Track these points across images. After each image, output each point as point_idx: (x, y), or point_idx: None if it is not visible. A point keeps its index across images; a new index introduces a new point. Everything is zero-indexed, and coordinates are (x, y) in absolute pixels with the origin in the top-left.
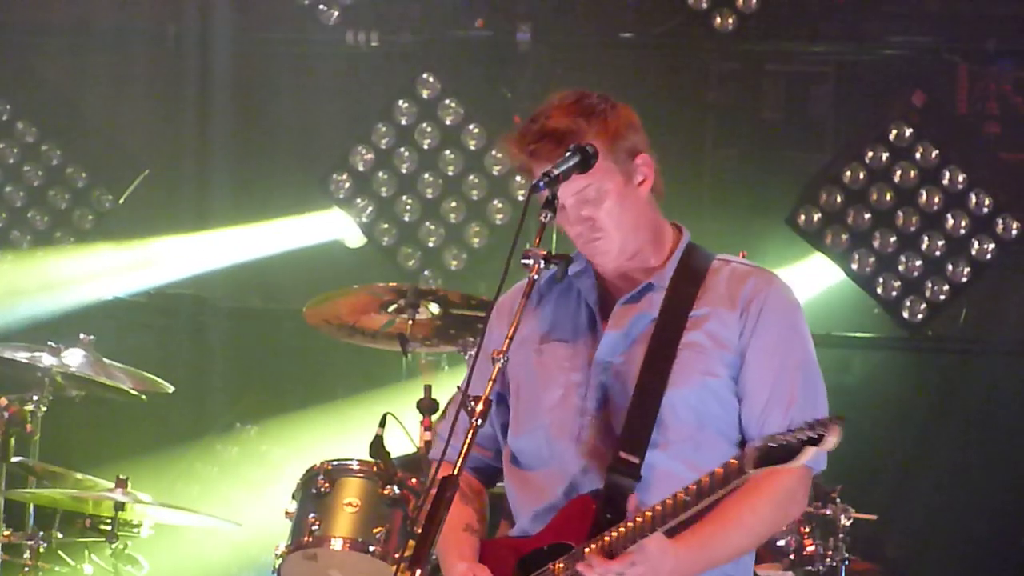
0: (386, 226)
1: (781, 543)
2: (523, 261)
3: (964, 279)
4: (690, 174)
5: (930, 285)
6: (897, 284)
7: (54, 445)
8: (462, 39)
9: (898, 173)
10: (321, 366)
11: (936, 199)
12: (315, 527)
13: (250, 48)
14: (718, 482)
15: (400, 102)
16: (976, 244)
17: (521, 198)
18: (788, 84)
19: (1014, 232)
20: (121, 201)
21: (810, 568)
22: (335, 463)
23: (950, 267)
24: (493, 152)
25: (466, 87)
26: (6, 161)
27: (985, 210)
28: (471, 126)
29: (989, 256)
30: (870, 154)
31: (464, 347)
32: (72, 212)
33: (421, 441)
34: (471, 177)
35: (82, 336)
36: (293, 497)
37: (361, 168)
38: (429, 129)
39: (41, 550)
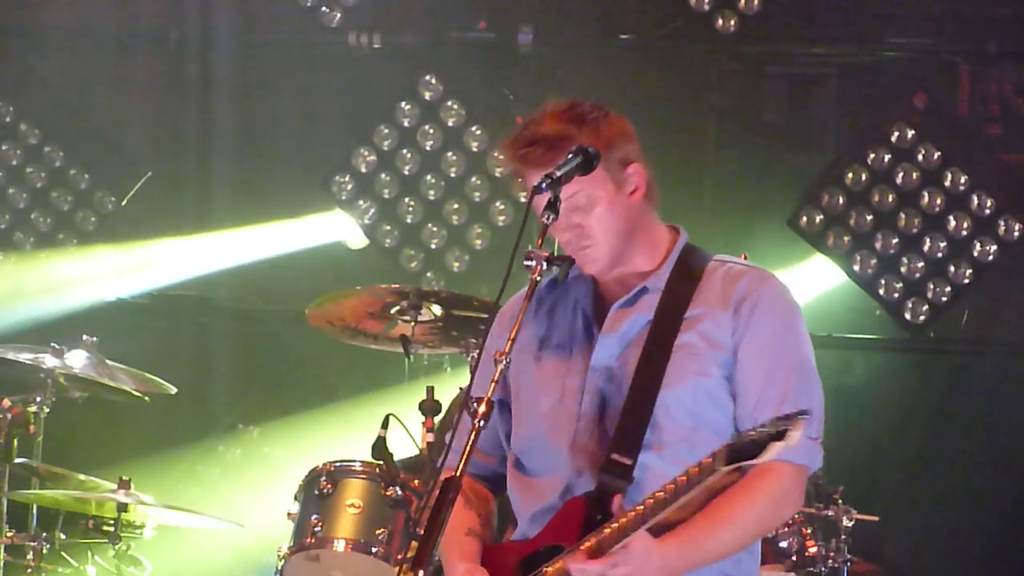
0: (388, 228)
1: (783, 544)
2: (525, 262)
3: (966, 280)
4: (691, 176)
5: (932, 287)
6: (899, 286)
7: (57, 446)
8: (464, 41)
9: (900, 175)
10: (323, 368)
11: (938, 201)
12: (317, 528)
13: (252, 50)
14: (693, 480)
15: (402, 104)
16: (978, 246)
17: (523, 200)
18: (790, 86)
19: (1016, 233)
20: (123, 203)
21: (812, 569)
22: (337, 464)
23: (952, 269)
24: (495, 154)
25: (468, 89)
26: (9, 163)
27: (987, 212)
28: (473, 128)
29: (991, 258)
30: (872, 156)
31: (466, 349)
32: (75, 214)
33: (423, 442)
34: (473, 179)
35: (85, 337)
36: (295, 498)
37: (363, 170)
38: (431, 131)
39: (44, 551)
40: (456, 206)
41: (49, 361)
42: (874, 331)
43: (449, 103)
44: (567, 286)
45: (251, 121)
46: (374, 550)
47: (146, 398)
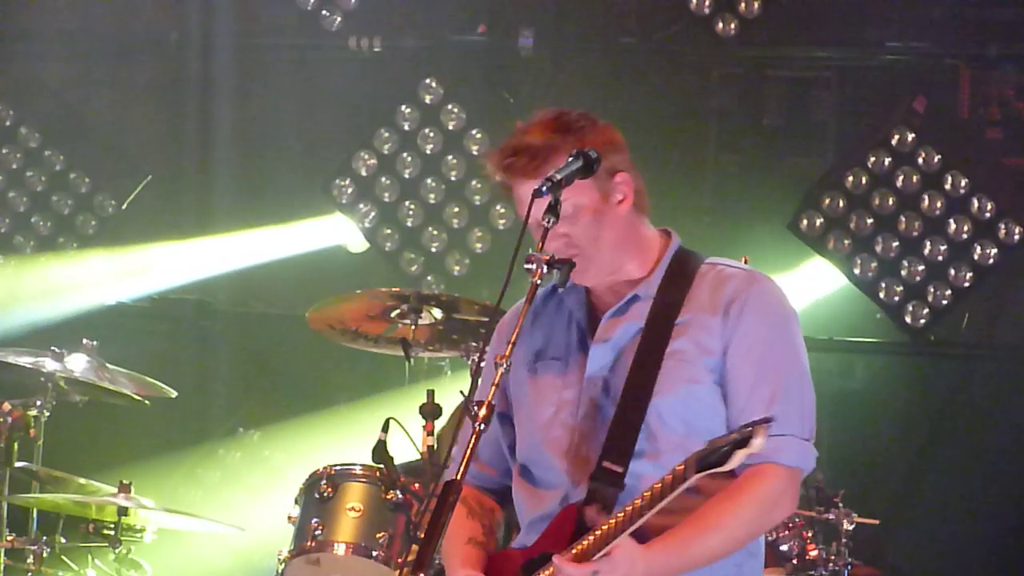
0: (389, 231)
1: (784, 548)
2: (526, 266)
3: (966, 284)
4: (692, 179)
5: (932, 290)
6: (899, 289)
7: (57, 450)
8: (464, 44)
9: (900, 178)
10: (324, 371)
11: (938, 204)
12: (318, 532)
13: (252, 54)
14: (667, 488)
15: (403, 107)
16: (978, 249)
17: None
18: (790, 89)
19: (1016, 237)
20: (124, 206)
21: (813, 573)
22: (338, 468)
23: (952, 272)
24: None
25: (468, 92)
26: (9, 167)
27: (987, 215)
28: (473, 131)
29: (991, 261)
30: (872, 159)
31: (467, 352)
32: (75, 217)
33: (424, 446)
34: (474, 182)
35: (85, 341)
36: (296, 502)
37: (364, 173)
38: (431, 134)
39: (44, 555)
40: (456, 209)
41: (49, 365)
42: (874, 334)
43: (449, 107)
44: (560, 298)
45: (251, 125)
46: (374, 554)
47: (146, 402)
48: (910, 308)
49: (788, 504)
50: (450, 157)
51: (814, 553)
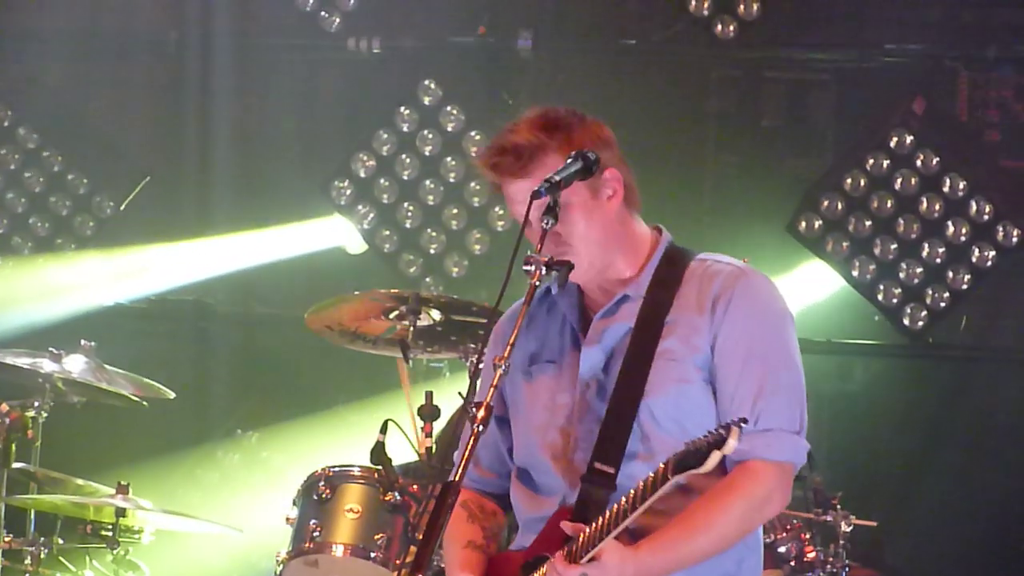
0: (387, 233)
1: (782, 549)
2: (525, 267)
3: (965, 286)
4: (691, 181)
5: (931, 292)
6: (898, 291)
7: (55, 451)
8: (463, 46)
9: (899, 180)
10: (322, 372)
11: (937, 206)
12: (316, 533)
13: (251, 55)
14: (648, 489)
15: (401, 109)
16: (976, 251)
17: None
18: (789, 91)
19: (1014, 239)
20: (122, 208)
21: (811, 574)
22: (336, 469)
23: (951, 274)
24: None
25: (467, 94)
26: (7, 167)
27: (985, 217)
28: (472, 133)
29: (989, 263)
30: (871, 161)
31: (465, 354)
32: (73, 218)
33: (422, 447)
34: (472, 184)
35: (83, 342)
36: (294, 503)
37: (362, 175)
38: (430, 136)
39: (42, 556)
40: (455, 211)
41: (47, 366)
42: (873, 337)
43: (448, 108)
44: (554, 300)
45: (250, 126)
46: (373, 555)
47: (144, 403)
48: (908, 310)
49: (780, 499)
50: (449, 159)
51: (812, 555)
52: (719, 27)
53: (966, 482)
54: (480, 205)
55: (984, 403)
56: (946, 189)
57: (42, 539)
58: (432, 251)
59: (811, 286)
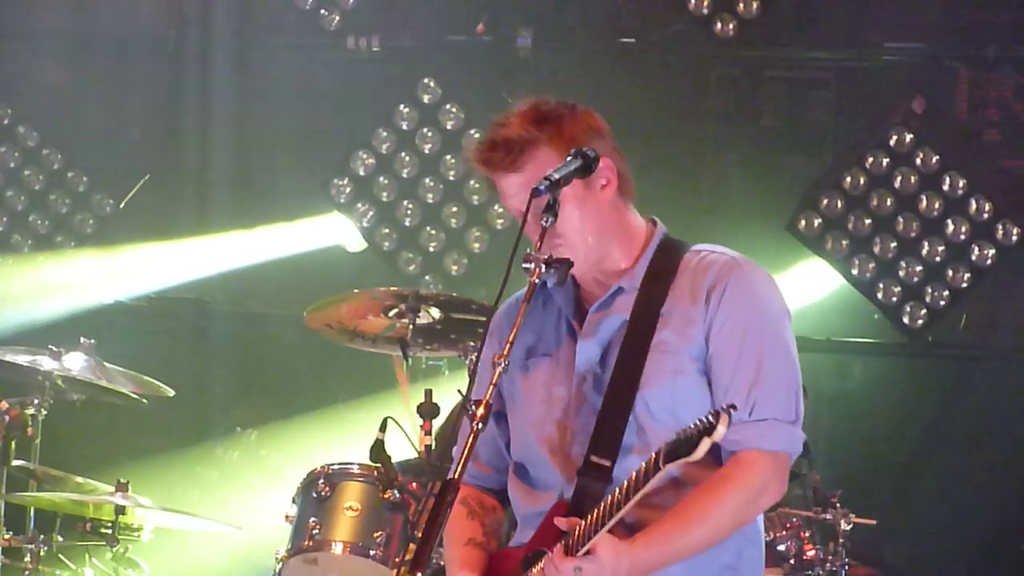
0: (387, 231)
1: (781, 548)
2: (524, 265)
3: (964, 285)
4: (690, 179)
5: (930, 291)
6: (897, 290)
7: (55, 449)
8: (463, 44)
9: (898, 179)
10: (321, 370)
11: (936, 205)
12: (315, 531)
13: (251, 53)
14: (641, 480)
15: (401, 107)
16: (976, 250)
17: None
18: (789, 90)
19: (1014, 238)
20: (122, 205)
21: (810, 573)
22: (335, 467)
23: (950, 273)
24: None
25: (467, 92)
26: (7, 165)
27: (985, 216)
28: (472, 131)
29: (989, 262)
30: (870, 160)
31: (465, 352)
32: (73, 216)
33: (422, 445)
34: (472, 182)
35: (83, 340)
36: (293, 501)
37: (362, 173)
38: (430, 134)
39: (41, 554)
40: (455, 209)
41: (47, 363)
42: (872, 335)
43: (448, 106)
44: (549, 293)
45: (249, 124)
46: (372, 553)
47: (144, 401)
48: (908, 309)
49: (775, 489)
50: (448, 157)
51: (811, 553)
52: (719, 26)
53: (966, 480)
54: (479, 203)
55: (984, 402)
56: (946, 188)
57: (42, 537)
58: (431, 249)
59: (810, 284)
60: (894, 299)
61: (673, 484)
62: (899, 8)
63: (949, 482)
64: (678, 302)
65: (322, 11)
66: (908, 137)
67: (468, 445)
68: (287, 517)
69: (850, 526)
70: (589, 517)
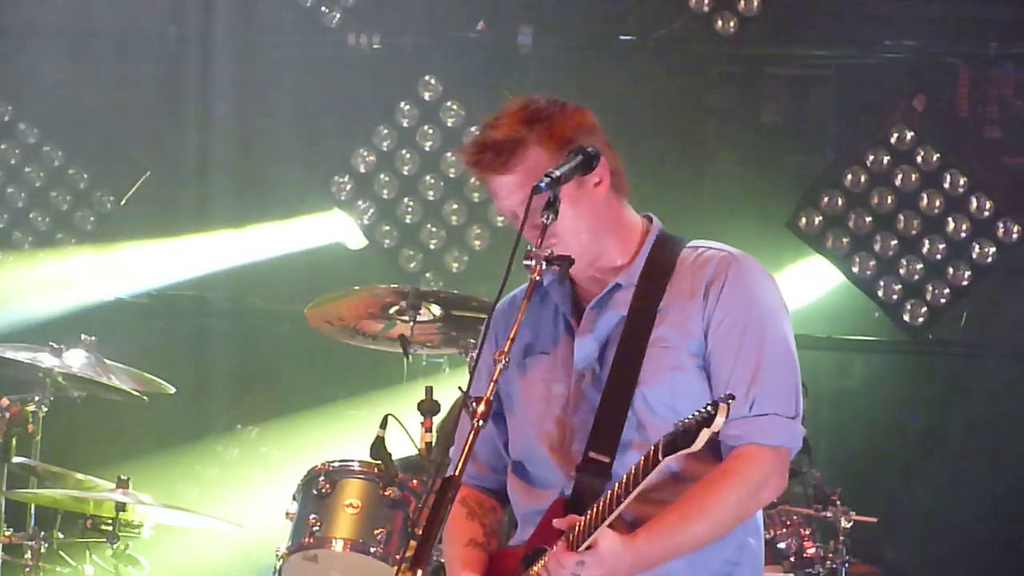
0: (387, 228)
1: (782, 545)
2: (525, 262)
3: (965, 282)
4: (690, 177)
5: (931, 288)
6: (898, 287)
7: (55, 445)
8: (464, 41)
9: (899, 176)
10: (322, 368)
11: (937, 202)
12: (316, 528)
13: (252, 50)
14: (640, 473)
15: (402, 104)
16: (977, 247)
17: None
18: (789, 87)
19: (1015, 236)
20: (122, 202)
21: (810, 570)
22: (336, 464)
23: (951, 270)
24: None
25: (468, 89)
26: (8, 162)
27: (986, 213)
28: (472, 128)
29: (990, 259)
30: (871, 157)
31: (465, 349)
32: (73, 213)
33: (422, 443)
34: (472, 179)
35: (83, 337)
36: (294, 498)
37: (362, 170)
38: (430, 131)
39: (42, 550)
40: (455, 206)
41: (48, 360)
42: (873, 333)
43: (448, 103)
44: (546, 290)
45: (250, 121)
46: (372, 550)
47: (145, 398)
48: (908, 307)
49: (776, 484)
50: (449, 154)
51: (812, 551)
52: (719, 23)
53: (966, 478)
54: (480, 200)
55: (984, 399)
56: (946, 185)
57: (42, 533)
58: (432, 246)
59: (811, 282)
60: (895, 297)
61: (673, 479)
62: (899, 5)
63: (949, 480)
64: (676, 298)
65: (323, 8)
66: (909, 134)
67: (468, 442)
68: (287, 514)
69: (850, 524)
70: (589, 512)
